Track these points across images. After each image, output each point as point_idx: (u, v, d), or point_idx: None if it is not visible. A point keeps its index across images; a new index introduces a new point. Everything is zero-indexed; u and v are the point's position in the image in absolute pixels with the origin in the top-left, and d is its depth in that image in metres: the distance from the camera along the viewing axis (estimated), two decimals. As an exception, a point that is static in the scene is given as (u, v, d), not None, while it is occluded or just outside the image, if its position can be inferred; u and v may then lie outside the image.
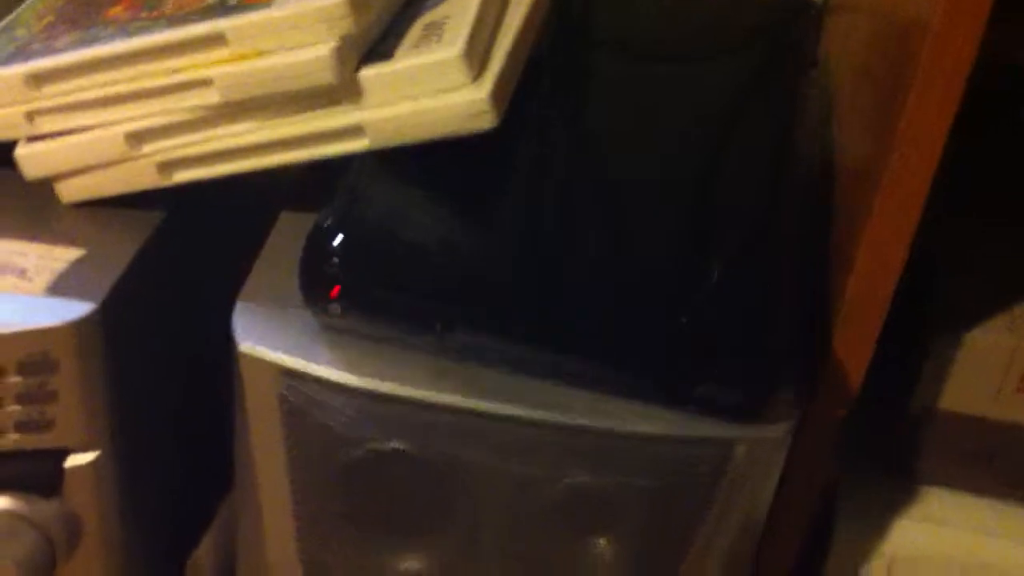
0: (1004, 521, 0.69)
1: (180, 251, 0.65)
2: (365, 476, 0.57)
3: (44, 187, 0.62)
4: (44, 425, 0.58)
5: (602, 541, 0.58)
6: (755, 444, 0.55)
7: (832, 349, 0.58)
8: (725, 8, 0.77)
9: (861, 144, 0.62)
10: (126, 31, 0.59)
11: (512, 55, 0.60)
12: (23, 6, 0.68)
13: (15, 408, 0.58)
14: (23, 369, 0.57)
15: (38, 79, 0.59)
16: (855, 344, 0.58)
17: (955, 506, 0.70)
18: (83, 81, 0.59)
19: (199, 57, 0.57)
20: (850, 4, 0.76)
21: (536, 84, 0.63)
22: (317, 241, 0.55)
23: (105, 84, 0.59)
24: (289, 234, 0.62)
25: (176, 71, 0.57)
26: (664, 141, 0.64)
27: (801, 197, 0.64)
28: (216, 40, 0.56)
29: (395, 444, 0.55)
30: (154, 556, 0.69)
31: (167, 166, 0.60)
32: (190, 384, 0.70)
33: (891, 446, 0.70)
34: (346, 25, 0.55)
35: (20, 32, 0.64)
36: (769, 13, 0.76)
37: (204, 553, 0.72)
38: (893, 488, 0.70)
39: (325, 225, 0.54)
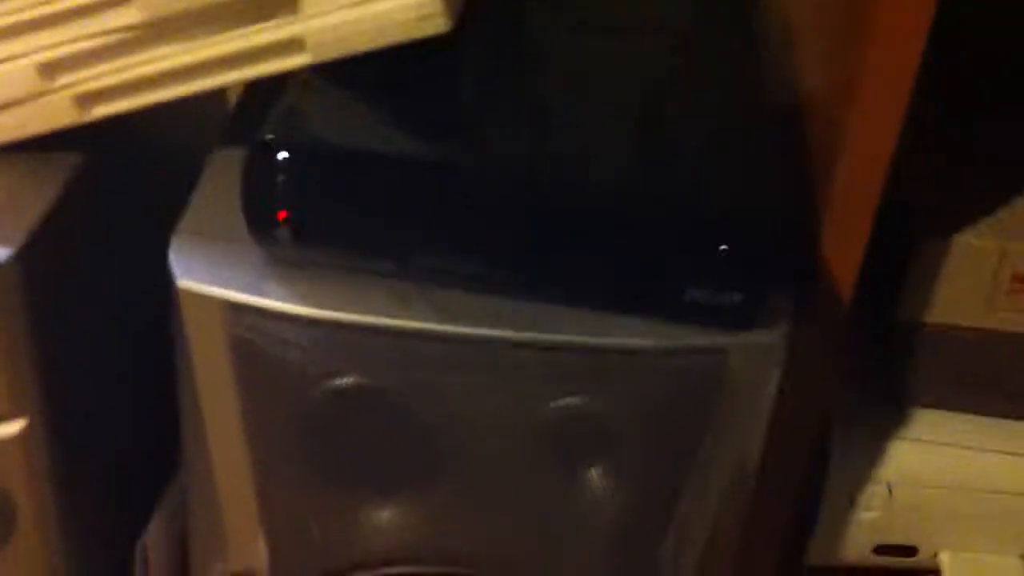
0: (1001, 437, 0.68)
1: (106, 194, 0.60)
2: (328, 418, 0.52)
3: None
4: (-36, 382, 0.53)
5: (597, 471, 0.54)
6: (751, 350, 0.52)
7: (822, 252, 0.56)
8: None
9: (830, 64, 0.59)
10: (33, -50, 0.53)
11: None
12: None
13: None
14: (-65, 325, 0.51)
15: (-64, 10, 0.54)
16: (846, 245, 0.56)
17: (951, 425, 0.69)
18: (-12, 9, 0.54)
19: (115, -28, 0.52)
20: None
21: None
22: (259, 159, 0.50)
23: (12, 12, 0.53)
24: (225, 169, 0.57)
25: (90, -11, 0.52)
26: (630, 64, 0.61)
27: (773, 108, 0.61)
28: (134, -49, 0.51)
29: (359, 378, 0.51)
30: (97, 538, 0.64)
31: (86, 99, 0.55)
32: (129, 341, 0.65)
33: (883, 367, 0.68)
34: (277, -75, 0.50)
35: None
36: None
37: (155, 531, 0.66)
38: (889, 410, 0.69)
39: (267, 139, 0.50)
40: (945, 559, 0.71)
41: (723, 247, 0.49)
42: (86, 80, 0.55)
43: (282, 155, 0.49)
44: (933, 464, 0.68)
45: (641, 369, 0.51)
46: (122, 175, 0.62)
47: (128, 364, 0.66)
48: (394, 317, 0.50)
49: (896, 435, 0.68)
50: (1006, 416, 0.69)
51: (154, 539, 0.67)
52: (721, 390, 0.52)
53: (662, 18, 0.66)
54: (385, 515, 0.55)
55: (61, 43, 0.54)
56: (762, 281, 0.51)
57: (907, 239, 0.63)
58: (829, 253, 0.57)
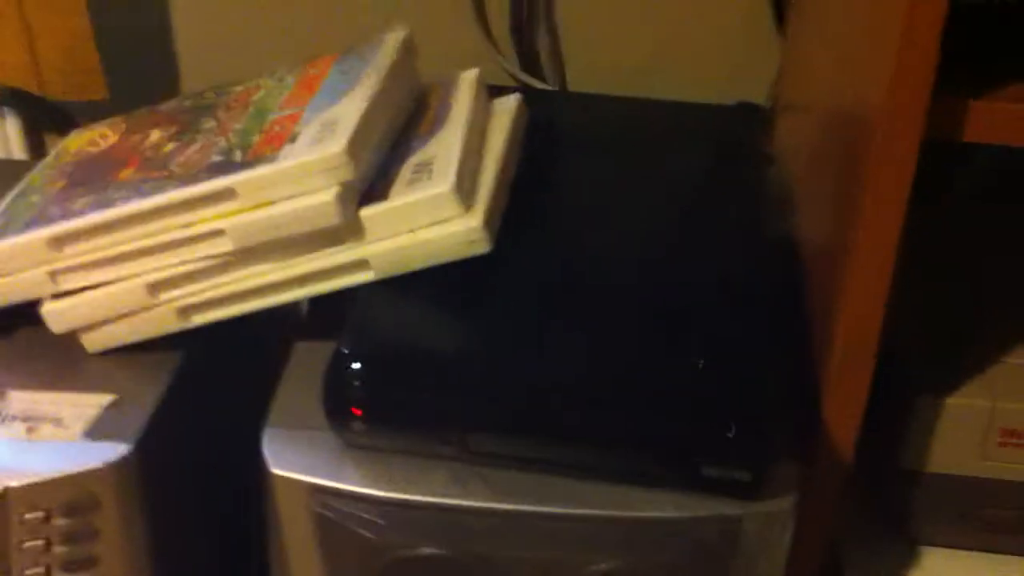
0: (999, 573, 0.74)
1: (203, 387, 0.69)
2: (398, 580, 0.61)
3: (70, 337, 0.67)
4: (89, 563, 0.62)
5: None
6: (763, 518, 0.60)
7: (824, 416, 0.64)
8: (680, 114, 0.84)
9: (825, 225, 0.68)
10: (140, 192, 0.64)
11: (497, 182, 0.66)
12: (32, 172, 0.73)
13: (61, 549, 0.61)
14: (67, 511, 0.60)
15: (59, 241, 0.64)
16: (845, 408, 0.64)
17: (954, 564, 0.74)
18: (102, 240, 0.64)
19: (211, 210, 0.62)
20: (797, 104, 0.83)
21: (522, 197, 0.69)
22: (337, 367, 0.60)
23: (123, 241, 0.64)
24: (303, 362, 0.67)
25: (190, 224, 0.63)
26: (644, 236, 0.71)
27: (777, 278, 0.70)
28: (227, 194, 0.62)
29: (424, 549, 0.60)
30: None
31: (186, 310, 0.65)
32: (225, 513, 0.74)
33: (888, 507, 0.75)
34: (346, 172, 0.61)
35: (35, 198, 0.69)
36: (722, 117, 0.83)
37: None
38: (895, 548, 0.74)
39: (344, 351, 0.59)
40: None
41: (732, 432, 0.58)
42: (186, 295, 0.65)
43: (355, 365, 0.59)
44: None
45: (664, 536, 0.60)
46: (218, 365, 0.72)
47: (224, 532, 0.75)
48: (453, 496, 0.60)
49: (900, 574, 0.75)
50: (1004, 552, 0.74)
51: None
52: (736, 553, 0.60)
53: (672, 178, 0.76)
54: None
55: (166, 266, 0.64)
56: (770, 458, 0.60)
57: (907, 396, 0.71)
58: (830, 415, 0.65)
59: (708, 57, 0.94)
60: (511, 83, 0.96)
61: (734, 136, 0.81)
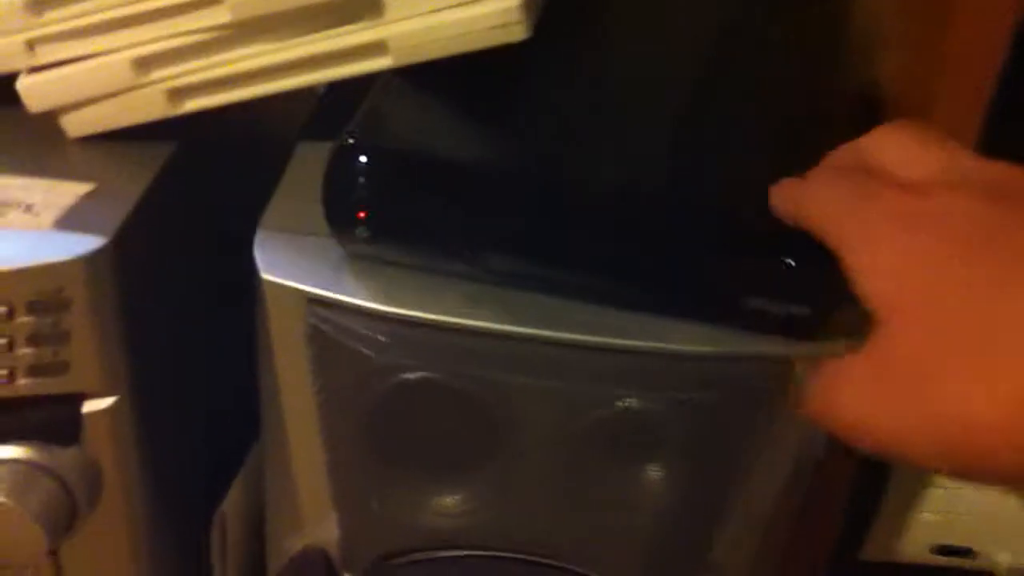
0: None
1: (194, 183, 0.62)
2: (399, 408, 0.54)
3: (50, 121, 0.59)
4: (59, 368, 0.56)
5: (652, 469, 0.55)
6: (816, 362, 0.52)
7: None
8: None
9: (909, 72, 0.59)
10: (130, -50, 0.56)
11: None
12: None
13: (27, 351, 0.55)
14: (34, 308, 0.54)
15: (39, 4, 0.56)
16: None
17: None
18: (86, 5, 0.56)
19: (208, -26, 0.54)
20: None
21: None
22: (341, 160, 0.52)
23: (109, 7, 0.56)
24: (309, 162, 0.59)
25: (184, -10, 0.55)
26: (703, 59, 0.62)
27: (846, 121, 0.61)
28: (226, -45, 0.53)
29: (429, 372, 0.53)
30: (180, 506, 0.67)
31: (177, 93, 0.58)
32: (213, 322, 0.68)
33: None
34: (363, -67, 0.52)
35: (17, -40, 0.61)
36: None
37: (233, 503, 0.69)
38: None
39: (349, 143, 0.51)
40: (1003, 562, 0.71)
41: (788, 260, 0.50)
42: (178, 75, 0.57)
43: (362, 158, 0.51)
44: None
45: (703, 375, 0.53)
46: (212, 163, 0.64)
47: (213, 343, 0.69)
48: (463, 316, 0.52)
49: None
50: None
51: (232, 509, 0.70)
52: (785, 400, 0.53)
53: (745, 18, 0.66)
54: (447, 500, 0.57)
55: (155, 39, 0.56)
56: (829, 294, 0.52)
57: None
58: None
59: None
60: None
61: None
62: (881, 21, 0.71)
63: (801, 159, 0.49)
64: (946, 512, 0.69)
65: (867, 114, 0.66)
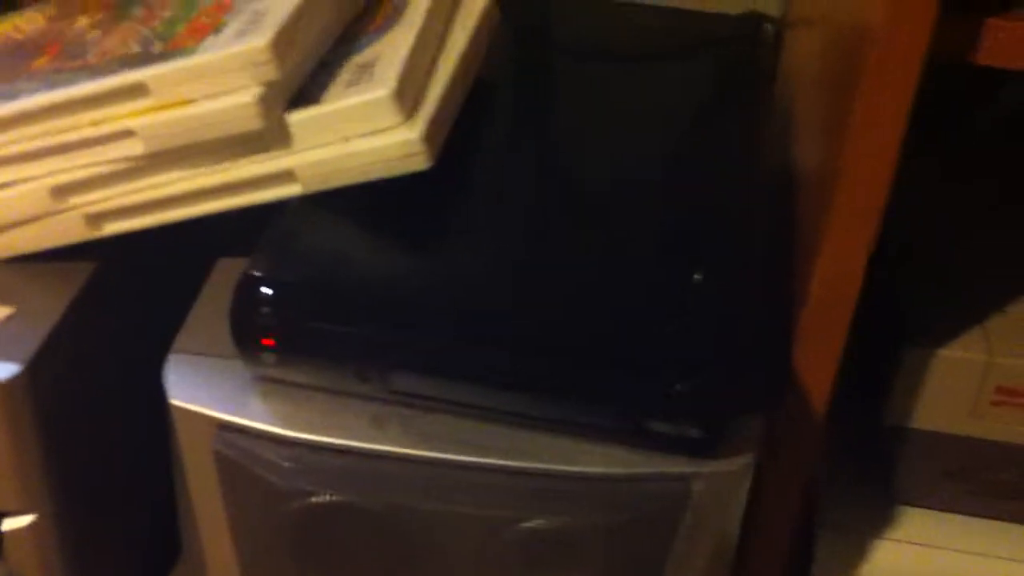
0: (984, 539, 0.69)
1: (113, 303, 0.63)
2: (309, 528, 0.55)
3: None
4: (-21, 489, 0.57)
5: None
6: (714, 478, 0.53)
7: (796, 366, 0.57)
8: (680, 21, 0.76)
9: (817, 153, 0.61)
10: (49, 83, 0.57)
11: (448, 92, 0.58)
12: (-51, 60, 0.66)
13: (-53, 474, 0.56)
14: (-49, 432, 0.55)
15: (-41, 135, 0.58)
16: (819, 359, 0.57)
17: (936, 526, 0.69)
18: (5, 135, 0.57)
19: (121, 108, 0.56)
20: (805, 18, 0.75)
21: (481, 103, 0.62)
22: (246, 290, 0.53)
23: (28, 138, 0.57)
24: (225, 280, 0.60)
25: (98, 123, 0.56)
26: (614, 157, 0.63)
27: (759, 211, 0.63)
28: (138, 90, 0.55)
29: (336, 496, 0.54)
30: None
31: (96, 218, 0.59)
32: (133, 440, 0.68)
33: (870, 463, 0.69)
34: (269, 71, 0.54)
35: (-56, 86, 0.62)
36: (724, 27, 0.75)
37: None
38: (874, 507, 0.69)
39: (253, 273, 0.53)
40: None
41: (677, 385, 0.51)
42: (96, 201, 0.58)
43: (265, 289, 0.53)
44: (918, 564, 0.68)
45: (606, 494, 0.53)
46: (131, 284, 0.65)
47: (135, 457, 0.69)
48: (370, 440, 0.53)
49: (882, 533, 0.69)
50: (991, 517, 0.69)
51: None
52: (685, 514, 0.54)
53: (659, 94, 0.68)
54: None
55: (72, 168, 0.57)
56: (722, 414, 0.53)
57: (895, 347, 0.64)
58: (803, 362, 0.58)
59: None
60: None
61: (735, 49, 0.73)
62: (796, 106, 0.73)
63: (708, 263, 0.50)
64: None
65: (780, 197, 0.68)
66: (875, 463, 0.70)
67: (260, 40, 0.53)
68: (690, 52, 0.73)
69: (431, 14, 0.62)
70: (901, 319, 0.65)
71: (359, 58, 0.59)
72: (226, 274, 0.61)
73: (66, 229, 0.59)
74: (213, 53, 0.54)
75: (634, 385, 0.51)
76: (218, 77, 0.54)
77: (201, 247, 0.63)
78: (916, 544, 0.69)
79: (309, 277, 0.54)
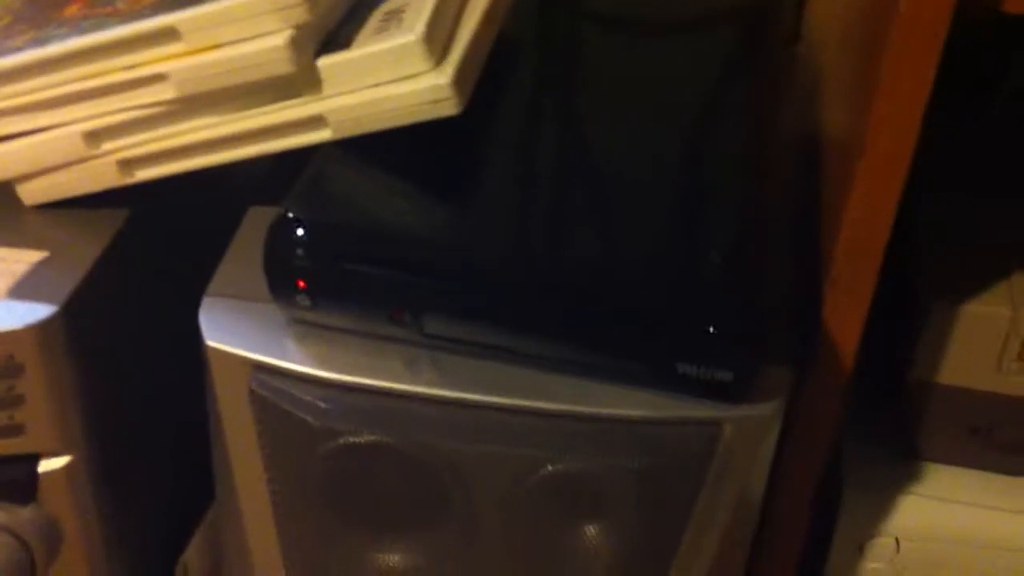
0: (1009, 496, 0.69)
1: (146, 249, 0.64)
2: (342, 470, 0.56)
3: (5, 189, 0.61)
4: (14, 430, 0.58)
5: (592, 528, 0.57)
6: (744, 423, 0.54)
7: (824, 318, 0.57)
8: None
9: (844, 114, 0.61)
10: (80, 28, 0.58)
11: (476, 38, 0.59)
12: (-20, 8, 0.67)
13: (-17, 414, 0.57)
14: (-12, 374, 0.56)
15: (-7, 80, 0.58)
16: (847, 311, 0.57)
17: (960, 482, 0.69)
18: (38, 81, 0.58)
19: (153, 52, 0.56)
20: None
21: (510, 60, 0.62)
22: (281, 232, 0.54)
23: (60, 83, 0.58)
24: (258, 228, 0.60)
25: (131, 67, 0.56)
26: (644, 117, 0.63)
27: (786, 171, 0.63)
28: (169, 34, 0.55)
29: (370, 436, 0.54)
30: (139, 561, 0.68)
31: (128, 164, 0.60)
32: (167, 383, 0.69)
33: (894, 420, 0.69)
34: (300, 13, 0.54)
35: (-24, 34, 0.63)
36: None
37: (192, 557, 0.71)
38: (899, 463, 0.70)
39: (288, 215, 0.53)
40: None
41: (711, 327, 0.51)
42: (128, 147, 0.59)
43: (300, 231, 0.53)
44: (942, 520, 0.69)
45: (636, 437, 0.54)
46: (164, 229, 0.66)
47: (168, 401, 0.70)
48: (402, 381, 0.54)
49: (906, 489, 0.69)
50: (1015, 474, 0.70)
51: (193, 558, 0.72)
52: (714, 459, 0.54)
53: (683, 55, 0.68)
54: (394, 559, 0.59)
55: (105, 113, 0.58)
56: (753, 358, 0.53)
57: (920, 302, 0.65)
58: (831, 318, 0.58)
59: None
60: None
61: (759, 11, 0.72)
62: (821, 72, 0.73)
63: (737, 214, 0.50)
64: (892, 563, 0.70)
65: (806, 160, 0.68)
66: (898, 419, 0.70)
67: (292, -17, 0.53)
68: (712, 12, 0.73)
69: (459, -41, 0.62)
70: (926, 274, 0.65)
71: (388, 4, 0.59)
72: (258, 220, 0.61)
73: (99, 175, 0.60)
74: (245, -4, 0.54)
75: (668, 327, 0.52)
76: (249, 20, 0.54)
77: (234, 194, 0.64)
78: (940, 499, 0.69)
79: (344, 219, 0.54)
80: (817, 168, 0.67)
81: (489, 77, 0.60)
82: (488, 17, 0.61)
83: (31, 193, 0.61)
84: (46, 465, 0.60)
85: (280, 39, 0.54)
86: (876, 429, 0.71)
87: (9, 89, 0.58)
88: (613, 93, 0.65)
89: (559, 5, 0.73)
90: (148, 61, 0.56)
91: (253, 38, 0.54)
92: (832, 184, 0.61)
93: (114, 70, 0.57)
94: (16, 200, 0.62)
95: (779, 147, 0.65)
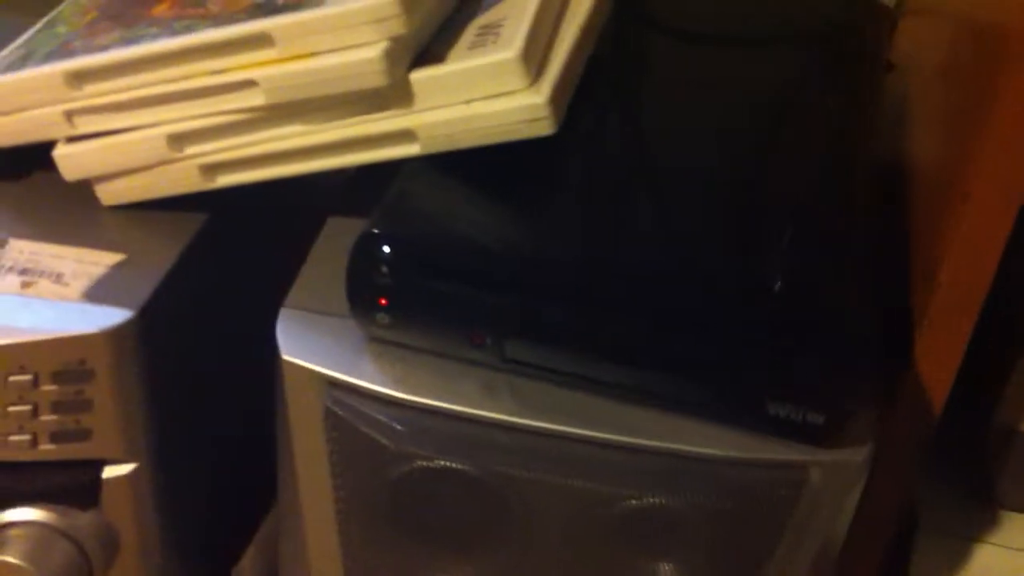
0: None
1: (223, 256, 0.63)
2: (412, 492, 0.55)
3: (84, 189, 0.60)
4: (80, 435, 0.57)
5: (662, 567, 0.55)
6: (833, 468, 0.52)
7: (915, 365, 0.56)
8: (791, 2, 0.74)
9: (941, 143, 0.59)
10: (171, 29, 0.57)
11: (572, 57, 0.57)
12: (66, 2, 0.66)
13: (51, 418, 0.56)
14: (58, 377, 0.55)
15: (79, 78, 0.57)
16: (939, 360, 0.56)
17: None
18: (125, 81, 0.57)
19: (244, 57, 0.55)
20: (926, 7, 0.73)
21: (596, 78, 0.61)
22: (365, 248, 0.52)
23: (148, 84, 0.57)
24: (336, 239, 0.60)
25: (221, 72, 0.56)
26: (730, 137, 0.62)
27: (874, 202, 0.61)
28: (262, 40, 0.54)
29: (445, 462, 0.53)
30: (194, 570, 0.67)
31: (210, 169, 0.59)
32: (233, 393, 0.68)
33: (974, 468, 0.68)
34: (397, 25, 0.53)
35: (61, 29, 0.62)
36: (840, 10, 0.73)
37: (247, 567, 0.70)
38: (976, 510, 0.68)
39: (374, 232, 0.52)
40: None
41: (808, 367, 0.49)
42: (212, 152, 0.58)
43: (385, 248, 0.52)
44: (1018, 572, 0.67)
45: (719, 477, 0.52)
46: (242, 237, 0.65)
47: (231, 412, 0.69)
48: (479, 407, 0.53)
49: (981, 538, 0.68)
50: None
51: (247, 568, 0.71)
52: (799, 505, 0.53)
53: (772, 75, 0.66)
54: (459, 577, 0.58)
55: (191, 117, 0.57)
56: (846, 402, 0.51)
57: (1009, 349, 0.63)
58: (923, 365, 0.57)
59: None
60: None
61: (850, 35, 0.71)
62: (912, 98, 0.71)
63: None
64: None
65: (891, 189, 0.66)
66: (978, 464, 0.68)
67: (389, -7, 0.52)
68: (802, 35, 0.72)
69: (554, -24, 0.60)
70: (1016, 321, 0.63)
71: (483, 19, 0.58)
72: (337, 231, 0.60)
73: (180, 178, 0.59)
74: (341, 5, 0.53)
75: (760, 365, 0.50)
76: (345, 30, 0.53)
77: (313, 203, 0.63)
78: (1016, 550, 0.67)
79: (429, 238, 0.53)
80: (902, 198, 0.65)
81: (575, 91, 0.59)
82: (584, 33, 0.60)
83: (110, 193, 0.60)
84: (110, 472, 0.59)
85: (375, 51, 0.53)
86: (954, 473, 0.70)
87: (95, 87, 0.58)
88: (699, 109, 0.64)
89: (643, 22, 0.72)
90: (239, 66, 0.55)
91: (347, 48, 0.53)
92: (923, 219, 0.59)
93: (203, 73, 0.56)
94: (93, 199, 0.61)
95: (872, 175, 0.63)
